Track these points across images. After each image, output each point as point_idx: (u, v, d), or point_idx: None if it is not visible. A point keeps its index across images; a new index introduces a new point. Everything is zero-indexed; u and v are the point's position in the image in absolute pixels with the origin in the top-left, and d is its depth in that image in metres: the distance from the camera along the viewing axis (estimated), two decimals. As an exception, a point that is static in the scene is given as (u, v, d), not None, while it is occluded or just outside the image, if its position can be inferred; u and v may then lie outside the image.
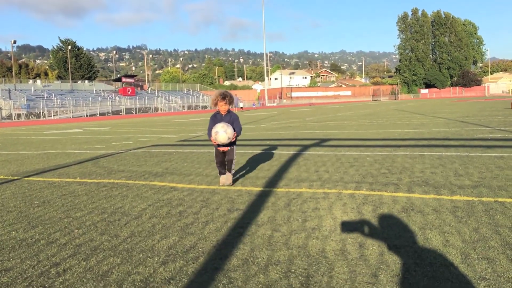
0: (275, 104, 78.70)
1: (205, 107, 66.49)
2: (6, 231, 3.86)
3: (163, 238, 3.47)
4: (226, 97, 5.30)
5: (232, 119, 5.45)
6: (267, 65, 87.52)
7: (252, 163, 7.23)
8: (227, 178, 5.46)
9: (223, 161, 5.46)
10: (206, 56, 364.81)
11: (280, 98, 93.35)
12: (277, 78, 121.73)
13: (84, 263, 3.01)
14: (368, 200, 4.40)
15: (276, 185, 5.35)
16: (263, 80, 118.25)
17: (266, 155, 8.18)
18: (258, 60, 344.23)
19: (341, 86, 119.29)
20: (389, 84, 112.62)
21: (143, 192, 5.27)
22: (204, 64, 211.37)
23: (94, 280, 2.71)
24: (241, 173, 6.36)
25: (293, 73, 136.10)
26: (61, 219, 4.19)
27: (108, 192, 5.36)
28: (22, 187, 5.94)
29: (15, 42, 54.19)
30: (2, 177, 6.93)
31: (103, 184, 5.92)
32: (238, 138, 5.59)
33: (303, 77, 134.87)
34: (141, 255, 3.12)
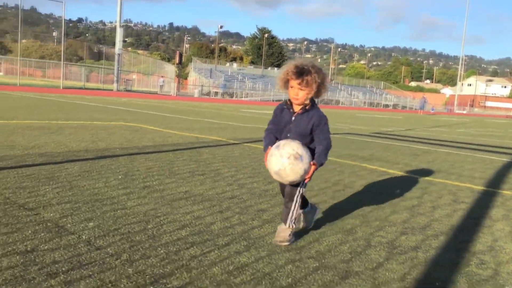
0: (464, 112, 72.26)
1: (387, 105, 64.63)
2: (249, 181, 4.44)
3: (392, 213, 3.59)
4: (303, 73, 2.58)
5: (311, 124, 2.70)
6: (461, 70, 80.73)
7: (460, 163, 6.88)
8: (281, 231, 2.70)
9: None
10: (393, 54, 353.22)
11: (472, 106, 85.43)
12: (470, 85, 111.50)
13: (330, 219, 3.30)
14: None
15: (498, 187, 5.03)
16: (453, 84, 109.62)
17: (473, 157, 7.68)
18: (450, 63, 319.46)
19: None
20: None
21: (357, 171, 5.48)
22: (390, 62, 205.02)
23: (342, 234, 2.97)
24: (450, 170, 6.11)
25: (490, 80, 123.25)
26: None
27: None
28: (244, 150, 6.70)
29: (221, 27, 60.31)
30: (225, 139, 7.90)
31: (316, 159, 6.31)
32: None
33: (502, 86, 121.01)
34: (377, 223, 3.29)
